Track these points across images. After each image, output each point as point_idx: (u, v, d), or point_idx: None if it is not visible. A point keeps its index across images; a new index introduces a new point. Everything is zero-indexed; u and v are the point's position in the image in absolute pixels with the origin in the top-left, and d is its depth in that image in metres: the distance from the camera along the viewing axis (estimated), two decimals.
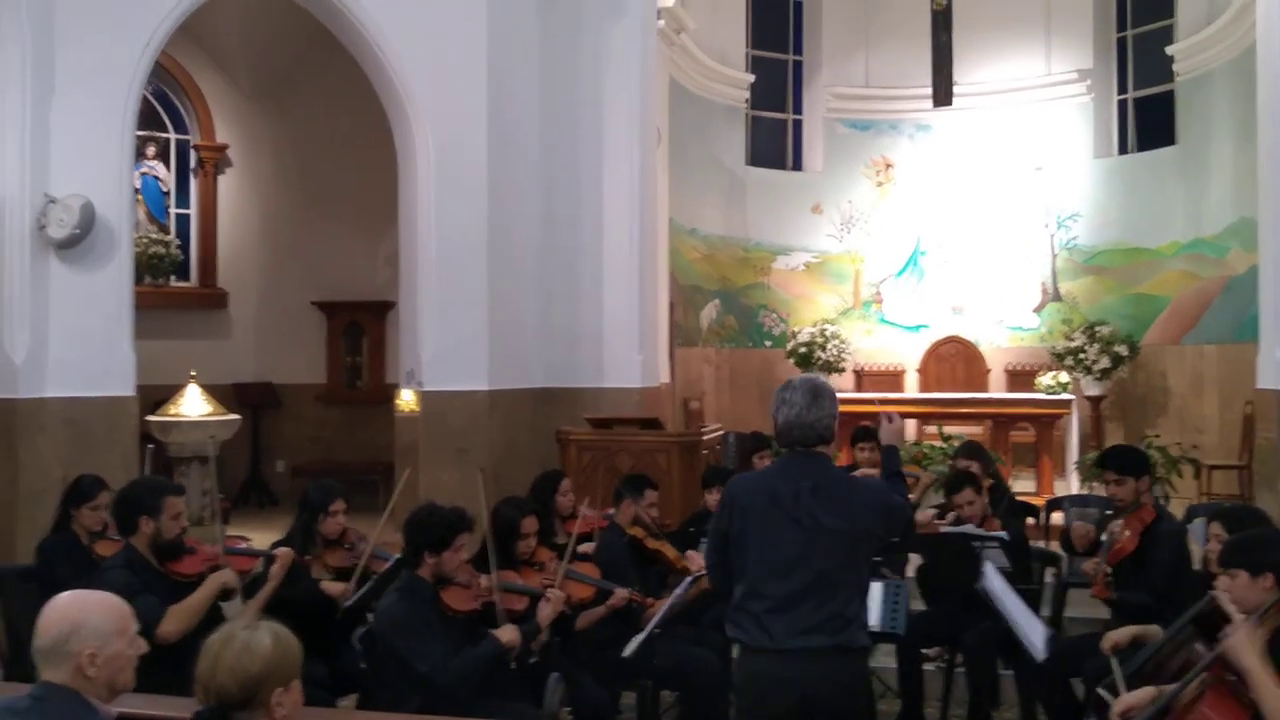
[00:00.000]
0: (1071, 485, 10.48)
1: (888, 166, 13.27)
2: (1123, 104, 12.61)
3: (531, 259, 8.55)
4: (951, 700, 6.26)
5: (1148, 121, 12.33)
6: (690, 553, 5.59)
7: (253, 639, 2.65)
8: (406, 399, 8.60)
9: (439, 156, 8.08)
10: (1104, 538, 5.47)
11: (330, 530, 5.41)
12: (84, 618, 2.77)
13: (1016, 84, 12.82)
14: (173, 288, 11.38)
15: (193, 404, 9.56)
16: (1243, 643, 3.44)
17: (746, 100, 12.96)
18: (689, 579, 5.17)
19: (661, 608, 4.93)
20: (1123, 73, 12.62)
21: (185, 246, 11.61)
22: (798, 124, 13.47)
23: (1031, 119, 12.77)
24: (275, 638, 2.68)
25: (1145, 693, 3.98)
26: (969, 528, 5.61)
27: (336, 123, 11.35)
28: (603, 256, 8.61)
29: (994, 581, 4.67)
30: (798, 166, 13.42)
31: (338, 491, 5.53)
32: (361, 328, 11.96)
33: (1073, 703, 5.48)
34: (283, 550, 5.05)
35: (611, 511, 5.89)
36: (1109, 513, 5.65)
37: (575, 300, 8.63)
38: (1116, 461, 5.61)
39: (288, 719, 2.68)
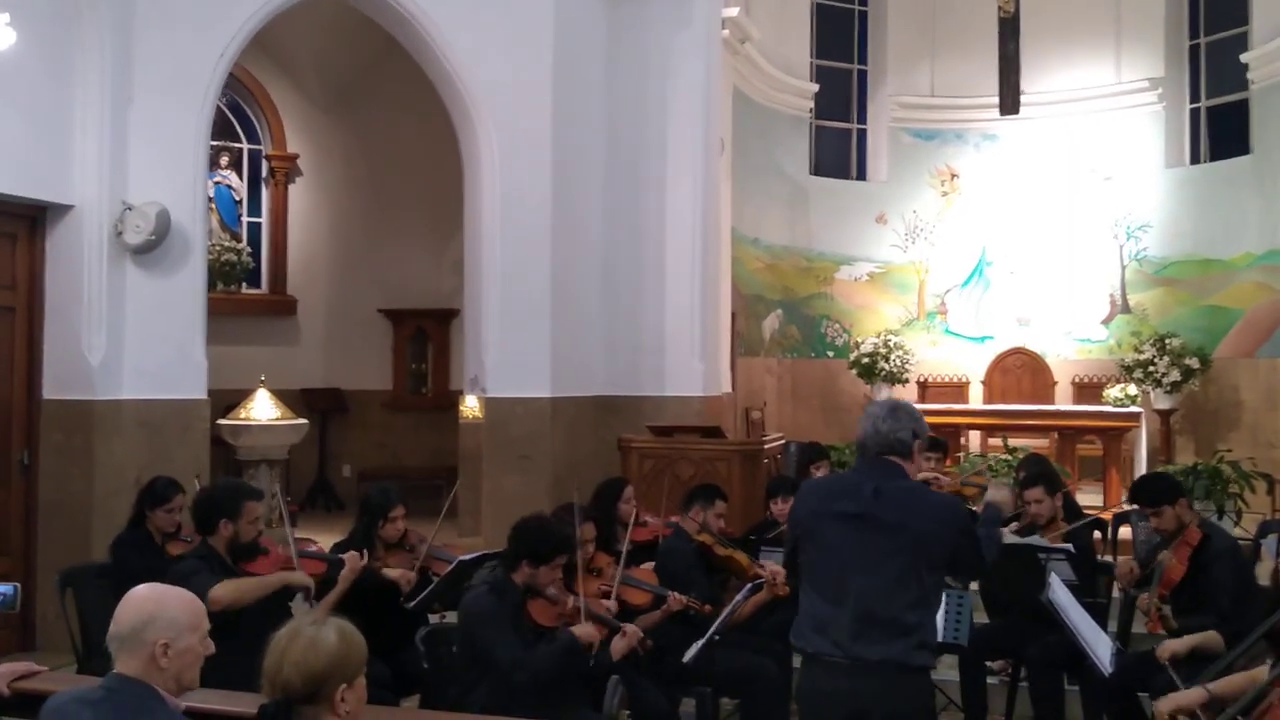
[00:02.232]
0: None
1: (953, 176, 13.15)
2: (1195, 113, 12.37)
3: (595, 267, 8.60)
4: (1015, 715, 6.20)
5: (1221, 130, 12.09)
6: (765, 561, 5.59)
7: (319, 635, 2.70)
8: (471, 405, 8.68)
9: (504, 165, 8.17)
10: (1154, 569, 5.35)
11: (390, 535, 5.52)
12: (160, 609, 2.85)
13: (1085, 93, 12.65)
14: (244, 294, 11.61)
15: (262, 408, 9.74)
16: None
17: (811, 110, 12.92)
18: (749, 586, 5.17)
19: (722, 614, 4.92)
20: (1195, 81, 12.37)
21: (256, 254, 11.85)
22: (862, 133, 13.40)
23: (1100, 128, 12.58)
24: (341, 634, 2.73)
25: (1194, 694, 3.92)
26: (1035, 539, 5.55)
27: (404, 133, 11.51)
28: (665, 265, 8.64)
29: (1059, 593, 4.61)
30: (862, 176, 13.35)
31: (397, 497, 5.63)
32: (427, 335, 12.10)
33: (1140, 719, 5.39)
34: (351, 554, 5.14)
35: (675, 519, 5.90)
36: (1157, 541, 5.53)
37: (638, 309, 8.67)
38: (1146, 494, 5.49)
39: (351, 715, 2.72)
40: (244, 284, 11.66)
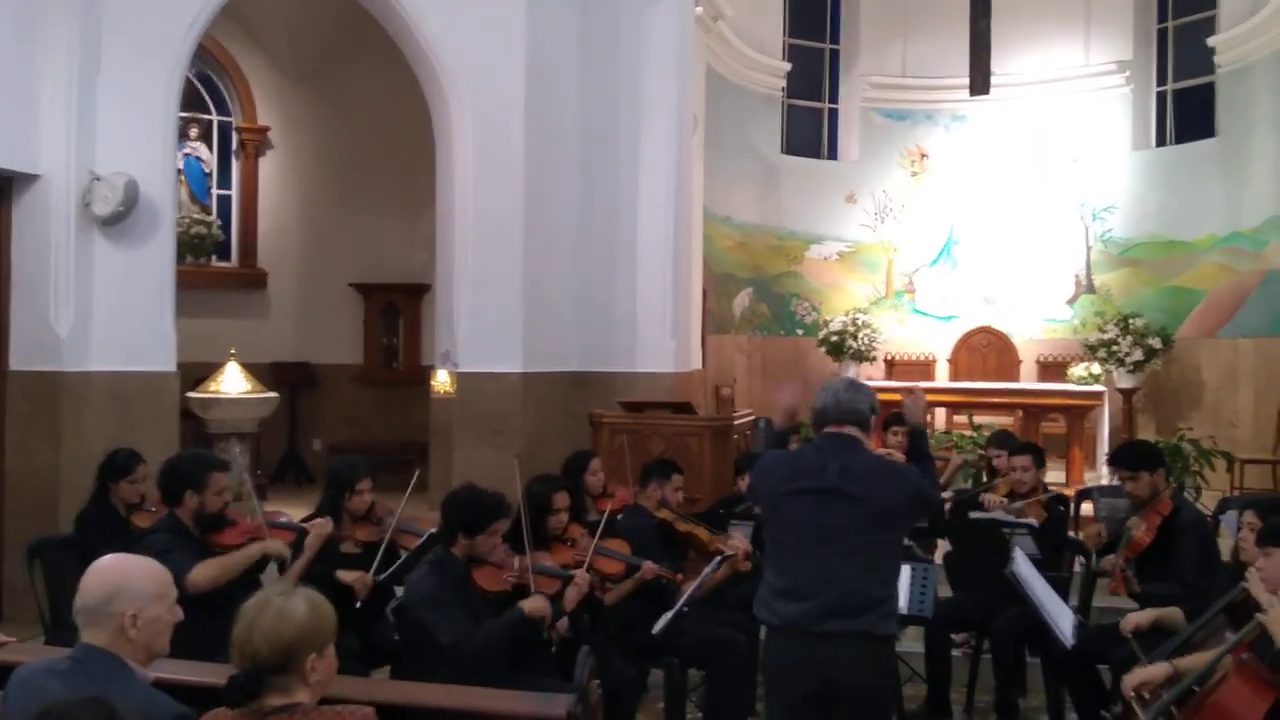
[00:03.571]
0: (1102, 476, 10.45)
1: (922, 156, 13.23)
2: (1162, 96, 12.50)
3: (567, 243, 8.59)
4: (977, 686, 6.31)
5: (1187, 114, 12.22)
6: (733, 533, 5.65)
7: (288, 605, 2.72)
8: (442, 380, 8.69)
9: (476, 140, 8.15)
10: (1123, 534, 5.46)
11: (357, 507, 5.52)
12: (127, 580, 2.86)
13: (1054, 75, 12.75)
14: (213, 267, 11.55)
15: (232, 382, 9.73)
16: None
17: (783, 89, 12.96)
18: (718, 559, 5.23)
19: (690, 587, 4.98)
20: (1162, 64, 12.50)
21: (226, 227, 11.78)
22: (833, 113, 13.45)
23: (1069, 110, 12.69)
24: (310, 604, 2.75)
25: (1159, 669, 4.02)
26: (999, 514, 5.64)
27: (376, 106, 11.44)
28: (638, 242, 8.64)
29: (1023, 566, 4.70)
30: (833, 155, 13.41)
31: (364, 469, 5.63)
32: (398, 309, 12.07)
33: (1100, 690, 5.50)
34: (320, 520, 5.16)
35: (638, 491, 5.95)
36: (1122, 516, 5.64)
37: (610, 285, 8.68)
38: (1127, 458, 5.59)
39: (321, 685, 2.75)
40: (213, 257, 11.59)
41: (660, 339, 8.58)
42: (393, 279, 11.91)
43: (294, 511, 5.97)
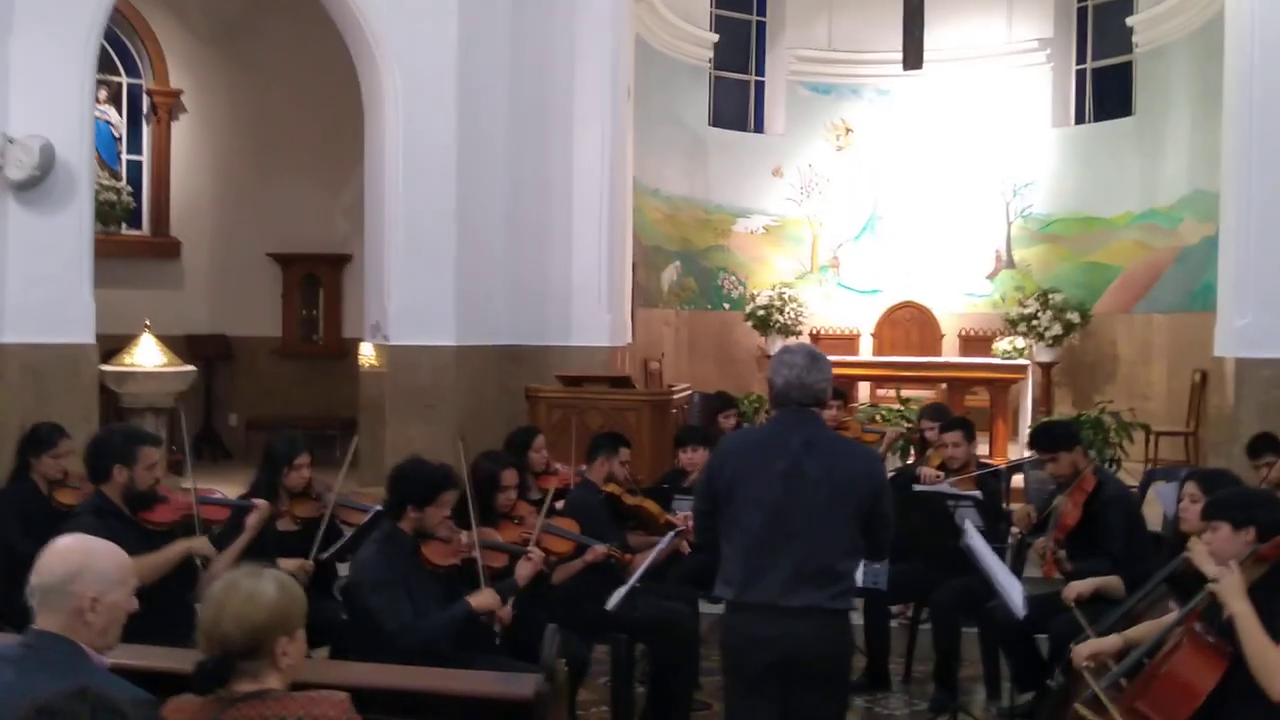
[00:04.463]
0: (1024, 449, 10.64)
1: (847, 131, 13.29)
2: (1081, 74, 12.71)
3: (499, 213, 8.47)
4: (915, 657, 6.39)
5: (1106, 92, 12.45)
6: (679, 510, 5.62)
7: (257, 587, 2.61)
8: (371, 354, 8.51)
9: (407, 108, 7.98)
10: (1050, 515, 5.53)
11: (294, 483, 5.35)
12: (89, 561, 2.72)
13: (977, 51, 12.88)
14: (124, 236, 11.14)
15: (148, 354, 9.39)
16: (1234, 588, 3.55)
17: (710, 60, 12.90)
18: (671, 533, 5.20)
19: (643, 562, 4.94)
20: (1082, 43, 12.71)
21: (137, 194, 11.36)
22: (760, 85, 13.43)
23: (991, 86, 12.84)
24: (280, 586, 2.64)
25: (1111, 640, 4.08)
26: (945, 486, 5.68)
27: (295, 70, 11.12)
28: (572, 213, 8.55)
29: (975, 539, 4.74)
30: (759, 129, 13.40)
31: (303, 444, 5.47)
32: (319, 280, 11.79)
33: (1037, 660, 5.59)
34: (261, 502, 5.00)
35: (583, 468, 5.88)
36: (1053, 488, 5.72)
37: (544, 257, 8.58)
38: (1044, 439, 5.65)
39: (293, 669, 2.65)
40: (124, 225, 11.17)
41: (595, 312, 8.51)
42: (313, 249, 11.62)
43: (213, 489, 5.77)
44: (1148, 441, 10.15)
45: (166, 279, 11.42)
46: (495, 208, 8.42)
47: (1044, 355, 11.88)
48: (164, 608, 4.10)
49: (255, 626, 2.56)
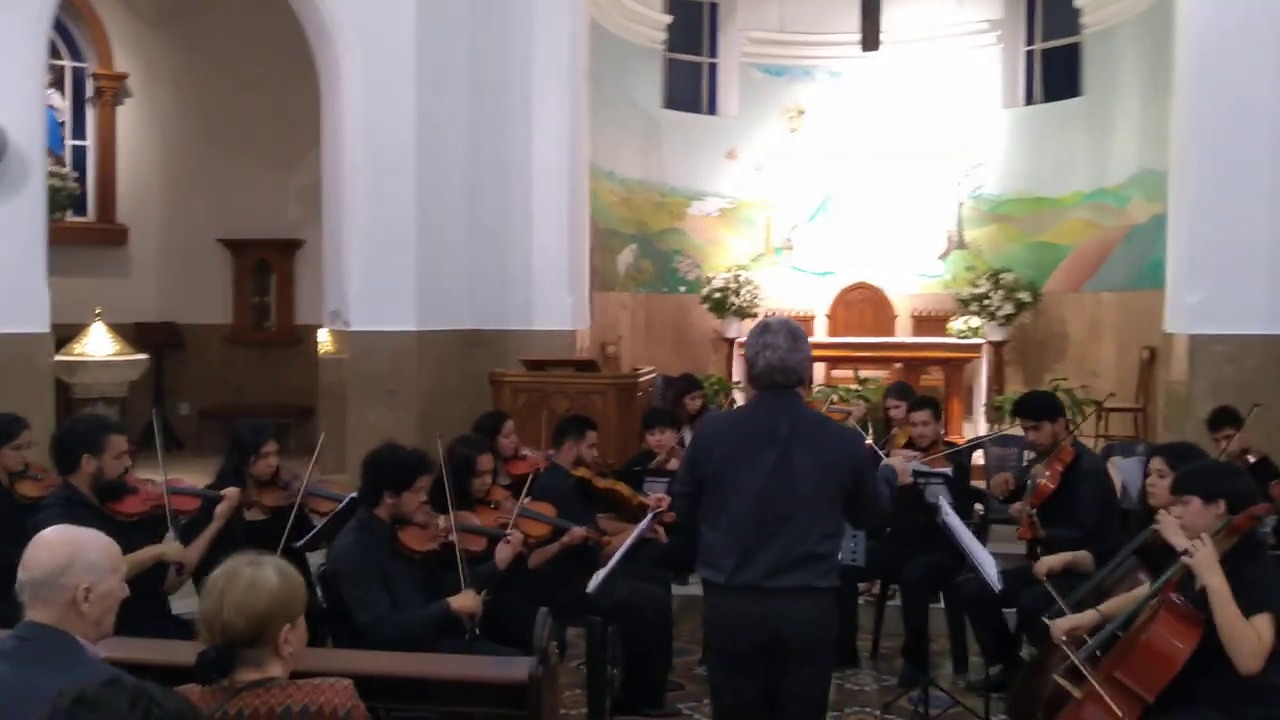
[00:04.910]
0: (979, 427, 10.80)
1: (800, 113, 13.32)
2: (1030, 55, 12.84)
3: (459, 196, 8.38)
4: (882, 633, 6.48)
5: (1055, 73, 12.59)
6: (650, 492, 5.63)
7: (259, 575, 2.59)
8: (329, 339, 8.42)
9: (366, 92, 7.88)
10: (1028, 482, 5.66)
11: (262, 471, 5.31)
12: (79, 552, 2.68)
13: (927, 33, 12.96)
14: (69, 223, 10.87)
15: (99, 343, 9.25)
16: (1208, 560, 3.63)
17: (663, 42, 12.87)
18: (650, 514, 5.21)
19: (622, 544, 4.95)
20: (1031, 24, 12.84)
21: (82, 180, 11.13)
22: (713, 68, 13.42)
23: (941, 68, 12.93)
24: (281, 573, 2.63)
25: (1088, 615, 4.17)
26: (915, 464, 5.74)
27: (243, 53, 10.94)
28: (532, 195, 8.49)
29: (950, 516, 4.82)
30: (713, 111, 13.39)
31: (270, 432, 5.43)
32: (270, 266, 11.63)
33: (1005, 634, 5.70)
34: (231, 490, 4.96)
35: (551, 453, 5.87)
36: (1031, 457, 5.85)
37: (504, 240, 8.52)
38: (1030, 409, 5.80)
39: (295, 656, 2.63)
40: (69, 212, 10.93)
41: (557, 296, 8.48)
42: (264, 234, 11.45)
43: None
44: (1098, 417, 10.32)
45: (114, 267, 11.21)
46: (455, 191, 8.35)
47: (996, 334, 12.02)
48: (134, 601, 4.05)
49: (258, 614, 2.54)
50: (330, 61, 7.98)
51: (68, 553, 2.67)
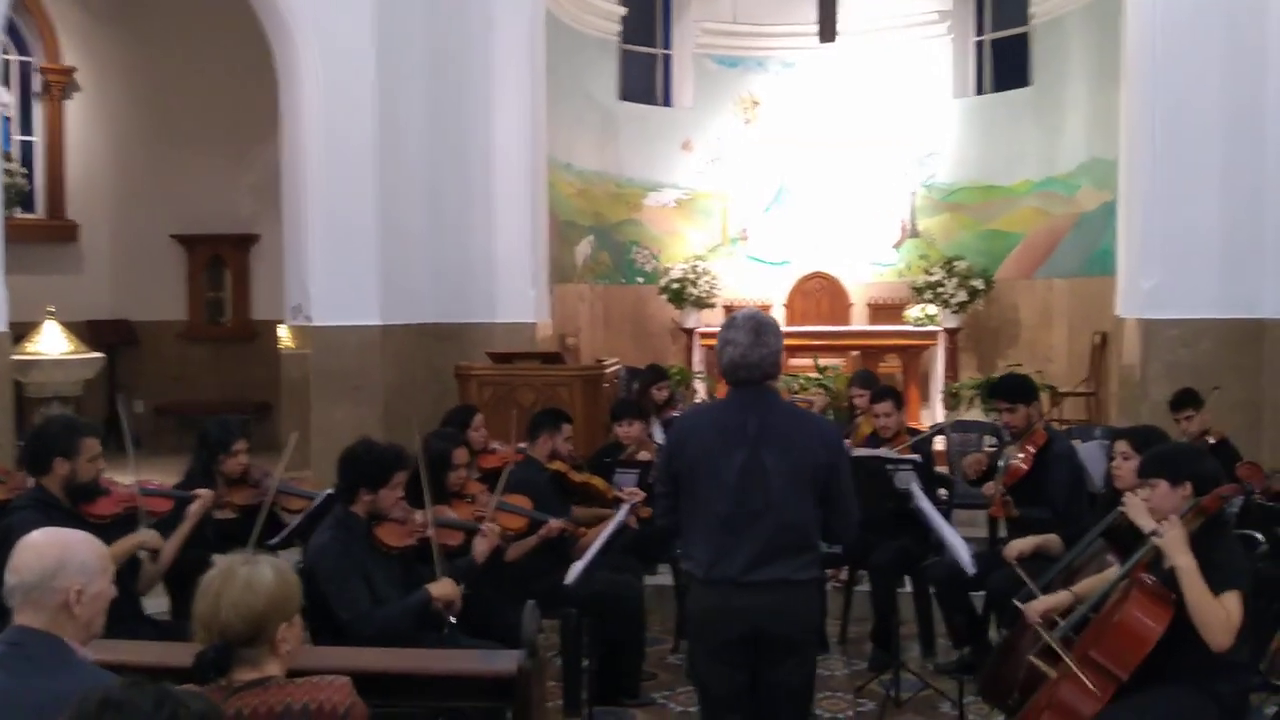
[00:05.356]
0: (936, 414, 10.94)
1: (754, 104, 13.37)
2: (980, 45, 12.98)
3: (421, 191, 8.32)
4: (850, 618, 6.56)
5: (1004, 63, 12.73)
6: (623, 485, 5.65)
7: (255, 574, 2.59)
8: (290, 335, 8.35)
9: (326, 85, 7.80)
10: (1000, 463, 5.76)
11: (232, 470, 5.27)
12: (69, 554, 2.66)
13: (878, 23, 13.05)
14: (18, 219, 10.67)
15: (52, 341, 9.12)
16: (1178, 541, 3.72)
17: (618, 33, 12.86)
18: (627, 506, 5.23)
19: (600, 536, 4.96)
20: (980, 14, 12.98)
21: (30, 176, 10.94)
22: (667, 59, 13.44)
23: (893, 58, 13.03)
24: (277, 571, 2.63)
25: (1062, 597, 4.25)
26: (884, 451, 5.83)
27: (195, 45, 10.80)
28: (493, 188, 8.45)
29: (922, 502, 4.88)
30: (668, 102, 13.41)
31: (239, 430, 5.39)
32: (224, 261, 11.52)
33: (973, 616, 5.79)
34: (204, 491, 4.92)
35: (524, 446, 5.88)
36: (1007, 439, 5.95)
37: (466, 233, 8.46)
38: (1007, 391, 5.91)
39: (292, 655, 2.63)
40: (18, 209, 10.74)
41: (521, 289, 8.46)
42: (218, 229, 11.35)
43: (123, 479, 5.62)
44: (1052, 402, 10.48)
45: (64, 263, 11.04)
46: (416, 184, 8.28)
47: (950, 322, 12.15)
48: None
49: (255, 613, 2.54)
50: (288, 55, 7.90)
51: (57, 555, 2.65)
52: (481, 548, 4.63)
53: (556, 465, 5.63)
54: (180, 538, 4.79)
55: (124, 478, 4.89)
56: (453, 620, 4.43)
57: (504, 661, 3.27)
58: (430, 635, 4.31)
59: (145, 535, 4.58)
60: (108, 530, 4.57)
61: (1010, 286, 12.37)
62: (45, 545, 2.68)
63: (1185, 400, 6.44)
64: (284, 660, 2.60)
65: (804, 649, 3.79)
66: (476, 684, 3.28)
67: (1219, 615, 3.64)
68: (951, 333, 12.26)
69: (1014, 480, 5.53)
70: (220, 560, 2.66)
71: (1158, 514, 3.96)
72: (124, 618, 4.60)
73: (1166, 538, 3.78)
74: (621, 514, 5.09)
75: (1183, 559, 3.70)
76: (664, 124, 13.24)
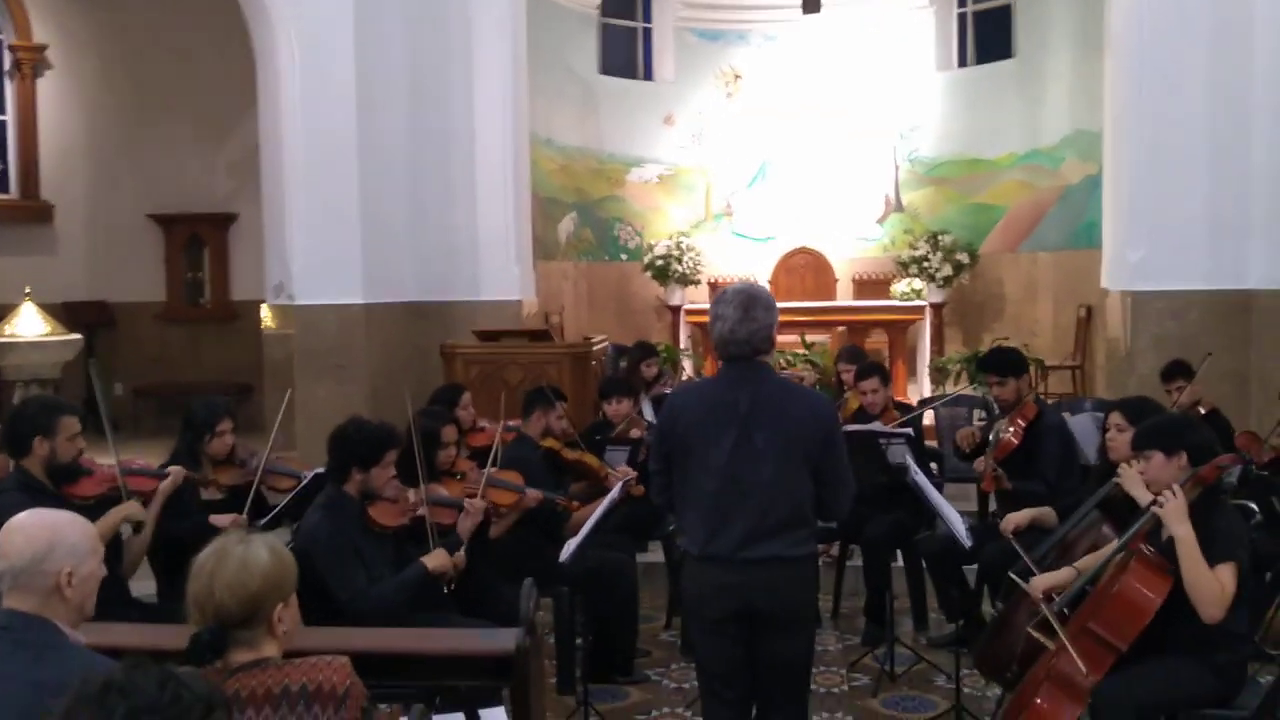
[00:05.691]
0: (923, 388, 10.93)
1: (736, 78, 13.27)
2: (963, 17, 12.91)
3: (403, 168, 8.19)
4: (842, 592, 6.54)
5: (987, 35, 12.67)
6: (614, 463, 5.61)
7: (249, 554, 2.53)
8: (273, 314, 8.26)
9: (304, 60, 7.68)
10: (991, 437, 5.74)
11: (218, 450, 5.18)
12: (58, 536, 2.60)
13: None
14: None
15: (29, 323, 9.00)
16: (1178, 511, 3.70)
17: (598, 7, 12.73)
18: (621, 483, 5.19)
19: (593, 514, 4.91)
20: None
21: (3, 156, 10.78)
22: (648, 32, 13.30)
23: (875, 31, 12.95)
24: (272, 550, 2.57)
25: (1064, 573, 4.22)
26: (876, 425, 5.79)
27: (167, 21, 10.67)
28: (475, 163, 8.34)
29: (918, 476, 4.85)
30: (649, 76, 13.28)
31: (224, 409, 5.30)
32: (203, 241, 11.39)
33: (965, 588, 5.78)
34: (175, 468, 4.84)
35: (516, 424, 5.82)
36: (996, 412, 5.93)
37: (449, 211, 8.35)
38: (997, 364, 5.86)
39: (289, 636, 2.58)
40: None
41: (505, 266, 8.36)
42: (196, 209, 11.23)
43: (103, 460, 5.54)
44: (1037, 375, 10.47)
45: (39, 244, 10.92)
46: (398, 161, 8.16)
47: (935, 296, 12.12)
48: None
49: (251, 594, 2.49)
50: (265, 32, 7.78)
51: (47, 538, 2.59)
52: (464, 525, 4.57)
53: (549, 443, 5.57)
54: (153, 516, 4.71)
55: (105, 459, 4.80)
56: (447, 590, 4.39)
57: (502, 640, 3.22)
58: (428, 614, 4.27)
59: (129, 507, 4.50)
60: (92, 511, 4.48)
61: (995, 260, 12.35)
62: (34, 528, 2.62)
63: (1176, 371, 6.43)
64: (281, 641, 2.55)
65: (800, 625, 3.76)
66: (475, 663, 3.23)
67: (1212, 587, 3.64)
68: (937, 307, 12.23)
69: (1005, 454, 5.50)
70: (215, 540, 2.59)
71: (1154, 486, 3.94)
72: (110, 601, 4.52)
73: (1166, 508, 3.76)
74: (615, 492, 5.03)
75: (1181, 529, 3.69)
76: (645, 98, 13.12)
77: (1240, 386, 7.71)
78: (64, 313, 10.35)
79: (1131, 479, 4.21)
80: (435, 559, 4.31)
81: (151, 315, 11.33)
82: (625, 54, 13.21)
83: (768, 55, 13.22)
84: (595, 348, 7.64)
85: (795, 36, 13.03)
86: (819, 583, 6.03)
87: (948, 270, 11.98)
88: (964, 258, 11.99)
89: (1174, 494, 3.76)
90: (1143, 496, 4.12)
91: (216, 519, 4.85)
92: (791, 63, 13.13)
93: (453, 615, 4.45)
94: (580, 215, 12.54)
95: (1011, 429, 5.52)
